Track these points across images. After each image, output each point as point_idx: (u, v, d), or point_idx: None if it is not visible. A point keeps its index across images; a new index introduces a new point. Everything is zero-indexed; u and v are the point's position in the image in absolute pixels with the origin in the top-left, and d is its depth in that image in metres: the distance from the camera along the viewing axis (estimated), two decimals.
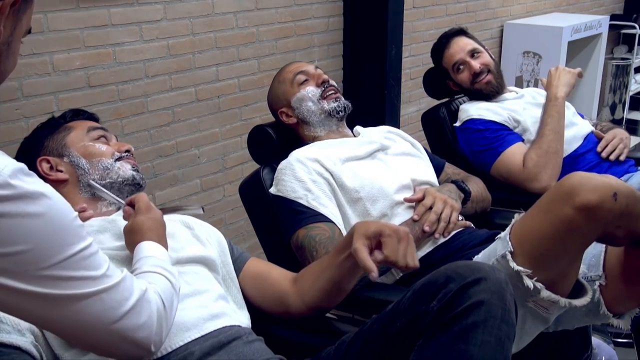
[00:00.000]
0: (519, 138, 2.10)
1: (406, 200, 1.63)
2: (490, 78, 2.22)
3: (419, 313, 1.04)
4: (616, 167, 2.11)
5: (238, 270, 1.41)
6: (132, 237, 1.19)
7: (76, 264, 0.84)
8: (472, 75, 2.22)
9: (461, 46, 2.24)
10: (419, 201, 1.62)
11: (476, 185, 1.83)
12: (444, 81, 2.34)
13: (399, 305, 1.09)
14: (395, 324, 1.07)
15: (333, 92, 1.77)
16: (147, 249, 1.14)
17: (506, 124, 2.13)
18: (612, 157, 2.11)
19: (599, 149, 2.15)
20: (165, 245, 1.19)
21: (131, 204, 1.26)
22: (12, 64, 0.89)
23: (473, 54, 2.23)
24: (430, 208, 1.59)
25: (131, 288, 0.91)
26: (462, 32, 2.30)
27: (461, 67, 2.23)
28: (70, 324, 0.85)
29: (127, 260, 1.21)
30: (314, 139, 1.77)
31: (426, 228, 1.56)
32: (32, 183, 0.80)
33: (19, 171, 0.79)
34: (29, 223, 0.78)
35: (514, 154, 2.05)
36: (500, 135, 2.10)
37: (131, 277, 0.94)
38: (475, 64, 2.21)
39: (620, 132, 2.19)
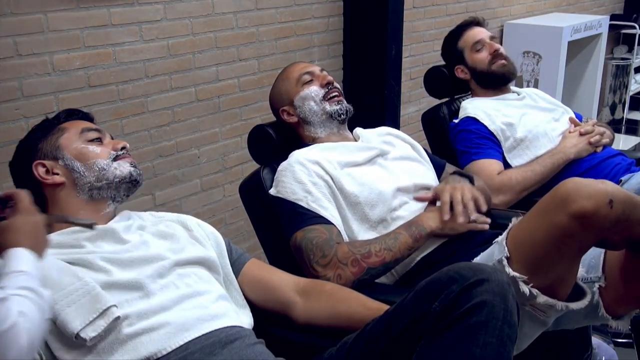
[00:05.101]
0: (498, 156, 2.12)
1: (416, 198, 1.63)
2: (505, 62, 2.29)
3: (421, 314, 1.04)
4: (618, 167, 2.11)
5: (236, 272, 1.41)
6: (5, 237, 1.08)
7: None
8: (491, 55, 2.27)
9: (482, 30, 2.35)
10: (429, 200, 1.63)
11: (477, 181, 1.82)
12: (450, 72, 2.36)
13: (402, 306, 1.09)
14: (398, 324, 1.07)
15: (336, 94, 1.77)
16: (19, 261, 1.04)
17: (495, 134, 2.14)
18: (591, 140, 2.13)
19: (572, 129, 2.20)
20: (41, 250, 1.10)
21: (7, 198, 1.15)
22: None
23: (492, 39, 2.33)
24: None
25: None
26: (480, 23, 2.39)
27: (481, 46, 2.29)
28: None
29: (127, 263, 1.22)
30: (314, 140, 1.76)
31: (461, 220, 1.54)
32: None
33: None
34: None
35: (488, 164, 2.08)
36: (482, 144, 2.13)
37: None
38: (495, 44, 2.29)
39: (607, 128, 2.24)
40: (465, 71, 2.33)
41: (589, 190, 1.11)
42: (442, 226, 1.56)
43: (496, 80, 2.28)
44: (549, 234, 1.15)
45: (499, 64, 2.27)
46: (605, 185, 1.12)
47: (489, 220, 1.63)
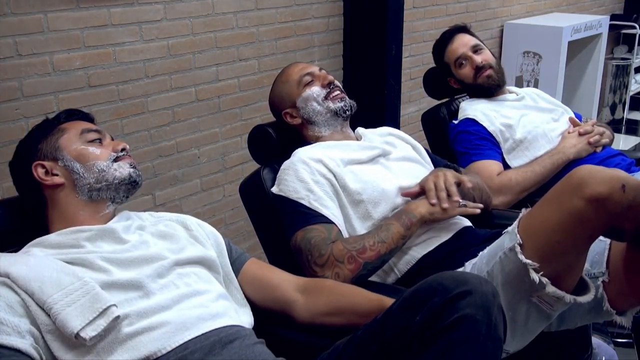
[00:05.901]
0: (497, 157, 2.12)
1: (403, 194, 1.61)
2: (491, 72, 2.25)
3: (405, 325, 1.03)
4: (617, 167, 2.11)
5: (236, 271, 1.40)
6: None
7: None
8: (474, 69, 2.25)
9: (464, 42, 2.29)
10: (417, 194, 1.61)
11: (474, 177, 1.81)
12: (445, 79, 2.36)
13: (389, 314, 1.09)
14: (385, 333, 1.07)
15: (339, 92, 1.77)
16: None
17: (494, 135, 2.14)
18: (591, 140, 2.12)
19: (571, 129, 2.18)
20: None
21: None
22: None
23: (475, 50, 2.27)
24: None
25: None
26: (463, 29, 2.35)
27: (463, 62, 2.27)
28: None
29: (126, 263, 1.22)
30: (317, 139, 1.76)
31: (445, 205, 1.54)
32: None
33: None
34: None
35: (488, 165, 2.08)
36: (481, 145, 2.12)
37: None
38: (478, 58, 2.25)
39: (607, 128, 2.23)
40: (456, 83, 2.33)
41: (602, 175, 1.14)
42: (431, 211, 1.55)
43: (485, 91, 2.27)
44: (563, 219, 1.17)
45: (483, 77, 2.24)
46: (617, 172, 1.16)
47: (480, 205, 1.62)
